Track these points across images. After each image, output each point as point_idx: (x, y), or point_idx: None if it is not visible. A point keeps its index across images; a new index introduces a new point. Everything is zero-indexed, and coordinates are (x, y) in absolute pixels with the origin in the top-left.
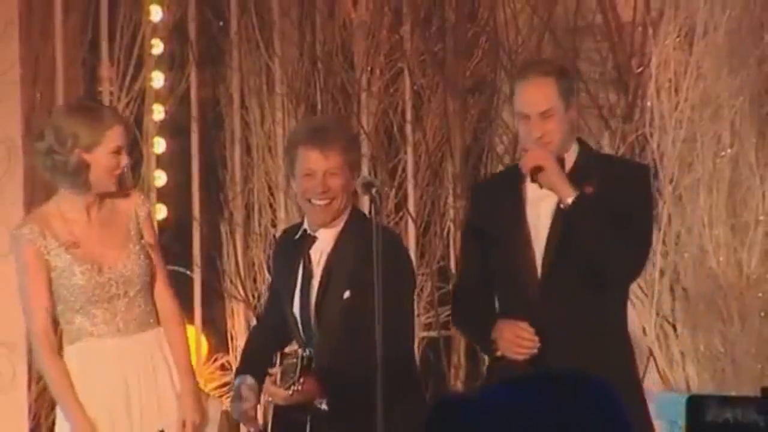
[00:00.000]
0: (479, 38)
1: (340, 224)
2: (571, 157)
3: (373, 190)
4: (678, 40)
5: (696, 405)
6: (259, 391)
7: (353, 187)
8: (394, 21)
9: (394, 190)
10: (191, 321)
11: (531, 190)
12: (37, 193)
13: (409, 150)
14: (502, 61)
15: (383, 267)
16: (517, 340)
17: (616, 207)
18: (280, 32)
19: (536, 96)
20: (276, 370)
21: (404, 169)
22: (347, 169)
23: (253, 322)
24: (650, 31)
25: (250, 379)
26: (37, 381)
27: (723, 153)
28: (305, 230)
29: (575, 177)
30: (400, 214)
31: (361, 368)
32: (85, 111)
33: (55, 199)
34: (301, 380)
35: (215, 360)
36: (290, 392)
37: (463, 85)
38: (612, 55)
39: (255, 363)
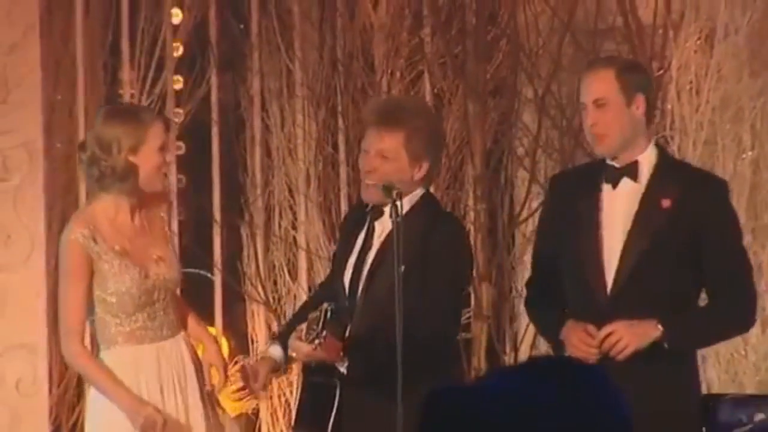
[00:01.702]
0: (499, 41)
1: (408, 204)
2: (648, 161)
3: (394, 193)
4: (698, 42)
5: (709, 404)
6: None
7: (414, 175)
8: (414, 24)
9: None
10: (212, 324)
11: (606, 192)
12: (57, 196)
13: None
14: (523, 64)
15: (442, 248)
16: (581, 345)
17: (696, 227)
18: (300, 35)
19: (591, 84)
20: (302, 326)
21: None
22: (404, 155)
23: (274, 324)
24: (671, 33)
25: (272, 348)
26: (58, 384)
27: (744, 155)
28: (372, 206)
29: (654, 185)
30: None
31: (390, 340)
32: (123, 113)
33: (98, 202)
34: (324, 333)
35: (236, 363)
36: (313, 346)
37: (484, 88)
38: (632, 57)
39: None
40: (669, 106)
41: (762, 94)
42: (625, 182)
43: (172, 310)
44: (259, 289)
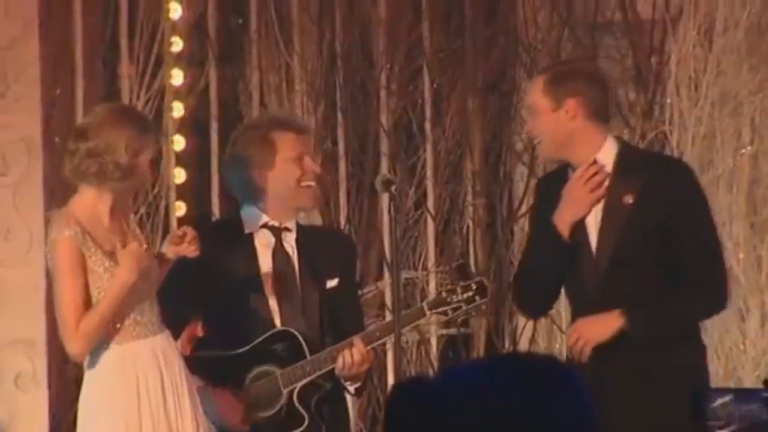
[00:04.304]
0: (498, 36)
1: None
2: (608, 157)
3: (393, 188)
4: (698, 37)
5: (699, 397)
6: None
7: None
8: (414, 18)
9: (413, 188)
10: None
11: None
12: (56, 191)
13: (429, 147)
14: (522, 59)
15: (353, 260)
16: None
17: (662, 217)
18: (299, 29)
19: (527, 93)
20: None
21: (423, 167)
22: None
23: None
24: (670, 28)
25: None
26: (57, 379)
27: (743, 150)
28: (266, 223)
29: (616, 182)
30: (420, 211)
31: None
32: (133, 116)
33: (77, 197)
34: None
35: None
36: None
37: (483, 83)
38: (631, 52)
39: None
40: (668, 101)
41: (761, 88)
42: None
43: (156, 308)
44: None
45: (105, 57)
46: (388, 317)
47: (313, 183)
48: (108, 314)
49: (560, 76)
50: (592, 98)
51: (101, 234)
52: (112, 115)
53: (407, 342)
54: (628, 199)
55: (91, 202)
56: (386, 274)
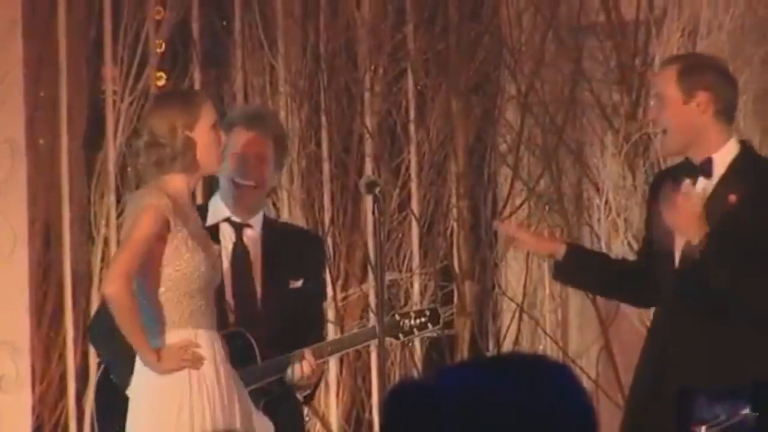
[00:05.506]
0: (482, 37)
1: (261, 214)
2: (724, 159)
3: (377, 190)
4: (681, 39)
5: (686, 397)
6: None
7: (275, 182)
8: (397, 20)
9: (397, 190)
10: None
11: (685, 189)
12: (40, 192)
13: (413, 149)
14: (506, 60)
15: (321, 263)
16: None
17: (760, 223)
18: (283, 31)
19: (654, 81)
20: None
21: (407, 169)
22: (275, 160)
23: None
24: (653, 30)
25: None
26: (40, 381)
27: None
28: (227, 217)
29: (725, 182)
30: (404, 213)
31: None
32: (173, 94)
33: (161, 185)
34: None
35: None
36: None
37: (467, 85)
38: (615, 54)
39: None
40: (652, 103)
41: (744, 91)
42: (701, 180)
43: (214, 304)
44: None
45: (89, 59)
46: (372, 319)
47: (247, 182)
48: (124, 329)
49: (694, 67)
50: (722, 95)
51: (188, 213)
52: (154, 104)
53: (391, 344)
54: (732, 199)
55: (173, 186)
56: (370, 276)
